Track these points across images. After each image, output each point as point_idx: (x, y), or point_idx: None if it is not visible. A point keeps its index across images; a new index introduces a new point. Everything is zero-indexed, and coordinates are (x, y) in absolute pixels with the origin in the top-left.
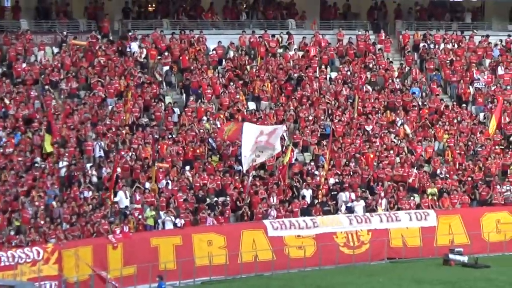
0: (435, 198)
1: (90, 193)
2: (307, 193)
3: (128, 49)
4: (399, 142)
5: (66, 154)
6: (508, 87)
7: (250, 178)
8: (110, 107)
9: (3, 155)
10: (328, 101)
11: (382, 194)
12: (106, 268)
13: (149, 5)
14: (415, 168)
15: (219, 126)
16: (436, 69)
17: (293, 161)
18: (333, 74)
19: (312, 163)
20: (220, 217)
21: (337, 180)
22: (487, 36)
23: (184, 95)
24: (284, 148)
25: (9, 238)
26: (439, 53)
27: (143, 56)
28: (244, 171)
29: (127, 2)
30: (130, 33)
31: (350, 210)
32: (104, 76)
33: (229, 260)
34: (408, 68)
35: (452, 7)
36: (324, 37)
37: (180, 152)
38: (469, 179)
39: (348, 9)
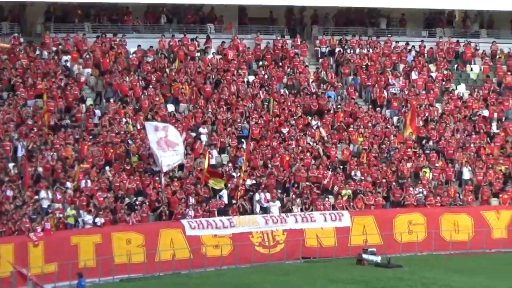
0: (350, 199)
1: (12, 192)
2: (224, 193)
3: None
4: (315, 144)
5: None
6: (423, 92)
7: (162, 178)
8: (31, 108)
9: None
10: (246, 104)
11: (297, 195)
12: (27, 266)
13: (71, 9)
14: (330, 170)
15: (138, 127)
16: (354, 73)
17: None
18: (251, 78)
19: (230, 165)
20: (135, 214)
21: (254, 181)
22: (407, 43)
23: (105, 97)
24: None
25: None
26: (355, 58)
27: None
28: (163, 171)
29: (49, 5)
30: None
31: (265, 210)
32: (27, 77)
33: (147, 258)
34: (324, 72)
35: (368, 14)
36: (242, 41)
37: (100, 152)
38: (383, 181)
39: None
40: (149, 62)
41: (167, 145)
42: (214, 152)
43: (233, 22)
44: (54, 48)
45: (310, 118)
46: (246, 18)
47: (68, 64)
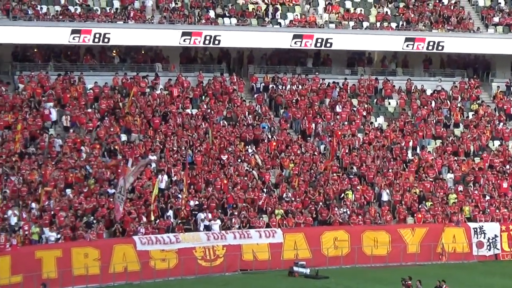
0: (282, 218)
1: None
2: (171, 213)
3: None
4: (251, 169)
5: None
6: (346, 123)
7: (117, 199)
8: (0, 138)
9: None
10: (190, 134)
11: (237, 214)
12: None
13: (36, 50)
14: (264, 192)
15: (95, 154)
16: (285, 107)
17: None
18: (194, 111)
19: (176, 187)
20: (92, 231)
21: (197, 202)
22: (334, 83)
23: (65, 127)
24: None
25: None
26: (286, 93)
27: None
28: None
29: (16, 46)
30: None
31: (208, 228)
32: None
33: (102, 271)
34: (259, 106)
35: (296, 54)
36: (186, 78)
37: (62, 176)
38: (311, 202)
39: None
40: (104, 97)
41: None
42: (165, 177)
43: (175, 63)
44: (22, 85)
45: (246, 146)
46: (190, 58)
47: (34, 98)
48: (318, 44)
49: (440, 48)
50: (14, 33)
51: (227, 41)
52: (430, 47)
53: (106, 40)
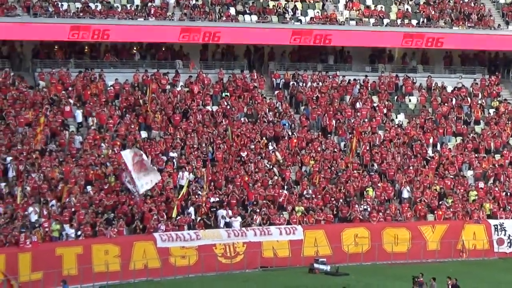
0: (302, 215)
1: (1, 208)
2: (192, 209)
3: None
4: (271, 166)
5: None
6: (366, 120)
7: (137, 196)
8: (20, 135)
9: None
10: (210, 131)
11: (257, 211)
12: (17, 274)
13: (56, 47)
14: (285, 189)
15: (116, 151)
16: (305, 104)
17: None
18: (215, 108)
19: (196, 184)
20: (112, 228)
21: (217, 199)
22: (354, 80)
23: (86, 123)
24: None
25: None
26: (306, 90)
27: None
28: (139, 195)
29: (36, 44)
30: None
31: (228, 225)
32: (16, 107)
33: (123, 267)
34: (279, 103)
35: (317, 50)
36: (207, 75)
37: (82, 173)
38: (332, 199)
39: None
40: (125, 93)
41: (142, 167)
42: (186, 174)
43: (195, 60)
44: (42, 82)
45: (267, 143)
46: (209, 55)
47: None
48: (317, 41)
49: (439, 44)
50: (21, 29)
51: (226, 37)
52: (429, 44)
53: (105, 36)
